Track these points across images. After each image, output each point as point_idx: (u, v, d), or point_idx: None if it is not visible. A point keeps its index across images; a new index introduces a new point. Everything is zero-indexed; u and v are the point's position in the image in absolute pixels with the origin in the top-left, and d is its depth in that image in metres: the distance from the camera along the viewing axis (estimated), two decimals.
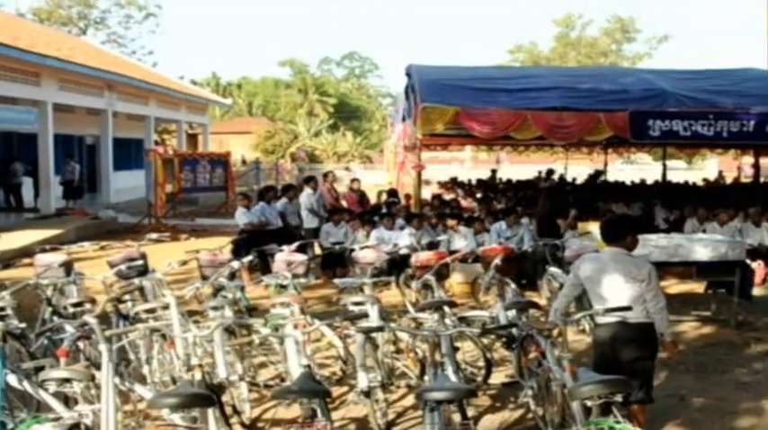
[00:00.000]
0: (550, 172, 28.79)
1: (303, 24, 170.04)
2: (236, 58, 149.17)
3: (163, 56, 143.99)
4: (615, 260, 6.40)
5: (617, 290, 6.32)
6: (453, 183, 29.77)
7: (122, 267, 9.75)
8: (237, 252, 13.43)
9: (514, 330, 7.54)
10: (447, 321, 7.71)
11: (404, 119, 18.60)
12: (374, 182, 33.88)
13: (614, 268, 6.36)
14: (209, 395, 5.45)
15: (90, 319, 6.24)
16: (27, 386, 6.03)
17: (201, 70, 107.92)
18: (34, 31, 31.33)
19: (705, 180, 33.32)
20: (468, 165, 59.47)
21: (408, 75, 16.61)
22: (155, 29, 57.38)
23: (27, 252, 14.74)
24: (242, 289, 9.52)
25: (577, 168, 36.10)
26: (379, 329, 7.19)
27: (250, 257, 10.29)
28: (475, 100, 15.34)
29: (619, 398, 5.37)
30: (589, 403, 5.34)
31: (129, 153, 34.95)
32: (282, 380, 7.96)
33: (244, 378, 7.44)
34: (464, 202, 22.03)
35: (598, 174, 31.17)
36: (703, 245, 11.09)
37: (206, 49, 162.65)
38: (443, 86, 15.68)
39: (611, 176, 31.31)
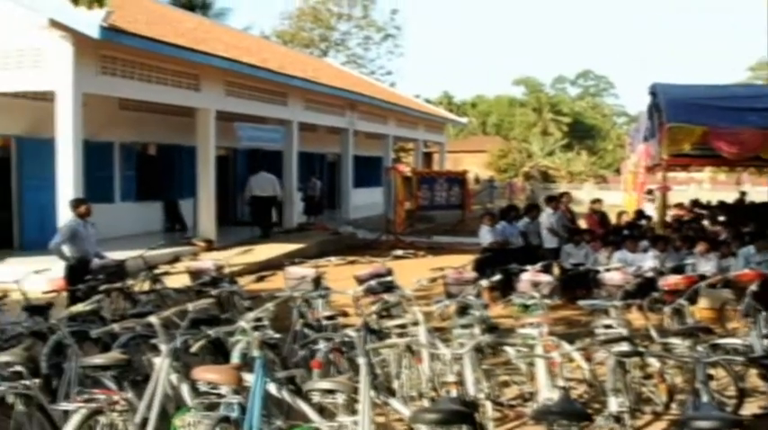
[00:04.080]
0: None
1: (538, 43, 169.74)
2: (470, 77, 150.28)
3: (399, 75, 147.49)
4: None
5: None
6: (694, 205, 28.75)
7: (372, 283, 9.99)
8: (481, 270, 13.51)
9: None
10: (699, 348, 7.49)
11: (645, 138, 18.22)
12: (610, 202, 33.27)
13: None
14: (470, 412, 5.51)
15: (352, 333, 6.48)
16: (285, 395, 6.23)
17: (433, 89, 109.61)
18: (280, 53, 32.55)
19: None
20: (707, 186, 57.41)
21: (653, 94, 16.22)
22: (393, 49, 58.37)
23: (271, 264, 15.41)
24: (485, 307, 9.57)
25: None
26: (638, 354, 7.08)
27: (499, 276, 10.31)
28: (722, 119, 14.85)
29: None
30: None
31: (368, 170, 35.80)
32: (526, 400, 7.96)
33: (490, 396, 7.46)
34: (708, 225, 21.26)
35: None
36: None
37: (439, 68, 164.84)
38: (689, 105, 15.21)
39: None
